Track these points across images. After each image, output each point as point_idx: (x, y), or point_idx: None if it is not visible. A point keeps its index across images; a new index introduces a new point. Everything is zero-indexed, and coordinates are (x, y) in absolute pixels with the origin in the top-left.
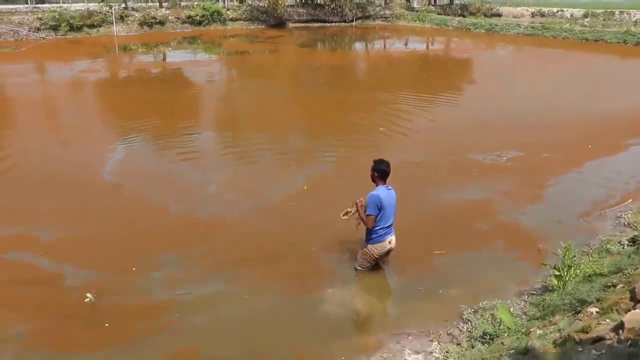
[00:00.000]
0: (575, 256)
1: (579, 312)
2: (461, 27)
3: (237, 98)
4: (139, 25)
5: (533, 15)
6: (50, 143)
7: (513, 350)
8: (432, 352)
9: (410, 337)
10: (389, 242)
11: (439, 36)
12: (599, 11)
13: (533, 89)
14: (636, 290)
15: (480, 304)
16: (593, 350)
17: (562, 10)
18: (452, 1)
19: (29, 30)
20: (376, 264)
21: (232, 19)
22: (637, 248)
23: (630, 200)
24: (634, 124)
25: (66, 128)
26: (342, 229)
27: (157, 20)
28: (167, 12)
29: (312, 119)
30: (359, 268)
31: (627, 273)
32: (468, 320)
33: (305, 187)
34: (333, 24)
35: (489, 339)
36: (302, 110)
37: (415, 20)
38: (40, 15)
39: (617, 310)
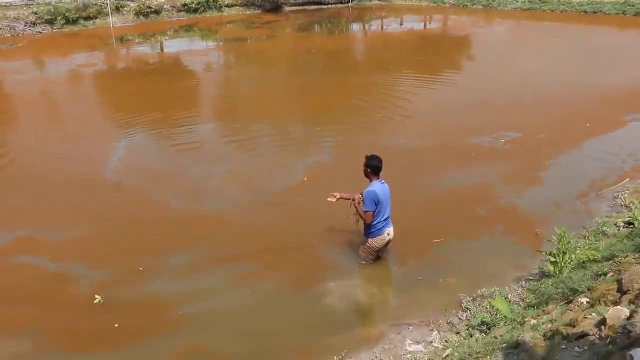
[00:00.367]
0: (570, 241)
1: (571, 301)
2: (458, 4)
3: (235, 86)
4: (134, 15)
5: None
6: (51, 140)
7: (505, 344)
8: (432, 342)
9: (410, 327)
10: (387, 234)
11: (436, 14)
12: None
13: (531, 64)
14: (623, 281)
15: (479, 291)
16: (576, 347)
17: None
18: None
19: (25, 25)
20: (376, 256)
21: (227, 5)
22: (631, 232)
23: (628, 179)
24: (632, 97)
25: (66, 124)
26: (343, 220)
27: (153, 10)
28: (163, 0)
29: (311, 105)
30: (363, 262)
31: (618, 261)
32: (467, 308)
33: (306, 179)
34: (329, 5)
35: (487, 328)
36: (300, 96)
37: None
38: (35, 9)
39: (604, 302)
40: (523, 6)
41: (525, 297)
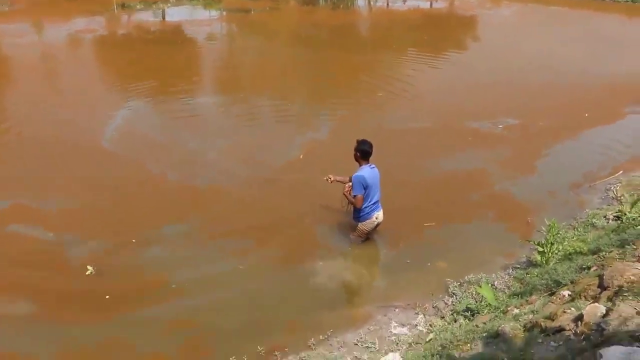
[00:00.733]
0: (559, 232)
1: (554, 293)
2: None
3: (237, 58)
4: None
5: None
6: (49, 107)
7: (485, 334)
8: (417, 325)
9: (397, 310)
10: (376, 218)
11: None
12: None
13: (536, 49)
14: (604, 277)
15: (466, 277)
16: (552, 342)
17: None
18: None
19: None
20: (367, 238)
21: None
22: (618, 226)
23: (621, 172)
24: (634, 89)
25: (64, 91)
26: (336, 199)
27: None
28: None
29: (312, 80)
30: (353, 243)
31: (602, 255)
32: (453, 293)
33: (301, 156)
34: None
35: (471, 314)
36: (302, 71)
37: None
38: None
39: (585, 297)
40: None
41: (511, 286)
